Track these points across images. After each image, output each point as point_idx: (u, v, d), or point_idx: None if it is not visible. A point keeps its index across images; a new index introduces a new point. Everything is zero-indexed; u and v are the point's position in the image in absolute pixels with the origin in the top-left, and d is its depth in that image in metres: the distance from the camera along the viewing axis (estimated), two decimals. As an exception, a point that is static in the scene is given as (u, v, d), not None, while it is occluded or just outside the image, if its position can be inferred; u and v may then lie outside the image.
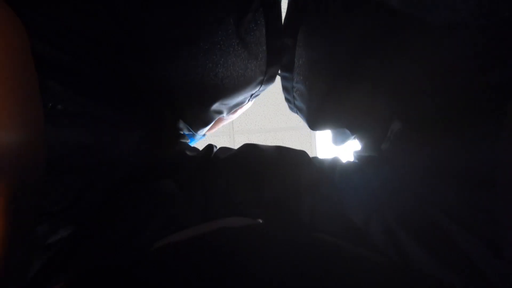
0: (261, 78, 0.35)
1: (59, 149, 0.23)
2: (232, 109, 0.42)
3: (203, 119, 0.37)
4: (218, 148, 0.37)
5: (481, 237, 0.18)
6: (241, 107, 0.44)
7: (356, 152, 0.36)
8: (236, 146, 0.36)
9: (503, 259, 0.17)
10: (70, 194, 0.23)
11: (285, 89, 0.40)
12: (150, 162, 0.31)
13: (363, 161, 0.32)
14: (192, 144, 0.43)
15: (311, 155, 0.35)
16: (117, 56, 0.25)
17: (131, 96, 0.29)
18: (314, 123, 0.40)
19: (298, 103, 0.40)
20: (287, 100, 0.43)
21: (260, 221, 0.23)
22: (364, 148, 0.34)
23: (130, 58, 0.26)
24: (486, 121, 0.19)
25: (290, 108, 0.45)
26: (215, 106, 0.35)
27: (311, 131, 1.41)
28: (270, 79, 0.37)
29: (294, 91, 0.38)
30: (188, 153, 0.34)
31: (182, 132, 0.39)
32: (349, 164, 0.33)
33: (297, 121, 1.53)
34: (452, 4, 0.19)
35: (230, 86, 0.33)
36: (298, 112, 0.43)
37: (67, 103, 0.23)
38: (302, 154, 0.34)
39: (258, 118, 1.54)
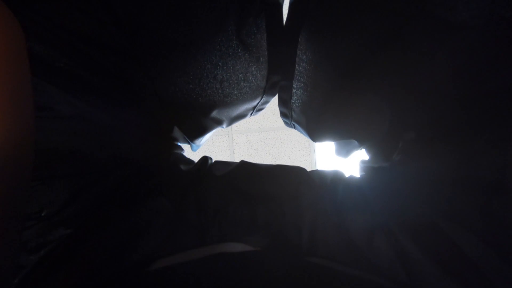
0: (262, 85, 0.34)
1: (49, 154, 0.22)
2: (233, 121, 0.40)
3: (200, 126, 0.36)
4: (214, 162, 0.36)
5: (492, 245, 0.18)
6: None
7: (363, 162, 0.35)
8: (235, 145, 0.36)
9: (510, 264, 0.17)
10: (60, 199, 0.23)
11: (282, 101, 0.38)
12: (143, 173, 0.30)
13: (372, 173, 0.32)
14: (195, 150, 0.42)
15: (309, 153, 0.34)
16: (114, 58, 0.25)
17: (127, 100, 0.28)
18: (316, 134, 0.39)
19: (296, 115, 0.39)
20: (283, 114, 0.41)
21: (258, 248, 0.23)
22: (374, 159, 0.33)
23: (127, 59, 0.25)
24: (495, 126, 0.19)
25: (286, 123, 0.43)
26: (215, 114, 0.34)
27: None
28: (272, 88, 0.35)
29: (292, 101, 0.37)
30: (182, 167, 0.34)
31: (177, 143, 0.38)
32: (354, 179, 0.33)
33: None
34: (456, 4, 0.19)
35: (230, 91, 0.32)
36: (296, 125, 0.42)
37: (62, 106, 0.23)
38: (301, 171, 0.33)
39: (257, 117, 1.53)
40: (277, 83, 0.35)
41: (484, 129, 0.20)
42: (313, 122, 0.37)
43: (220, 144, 1.50)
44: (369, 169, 0.33)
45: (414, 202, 0.24)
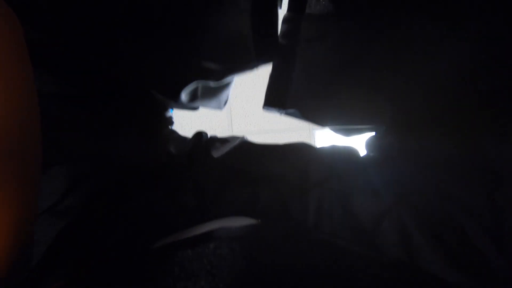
0: (244, 14, 0.27)
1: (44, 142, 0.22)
2: (224, 75, 0.32)
3: (178, 76, 0.30)
4: (209, 138, 0.34)
5: (493, 235, 0.18)
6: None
7: (372, 140, 0.33)
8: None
9: (506, 256, 0.17)
10: (57, 189, 0.23)
11: (277, 72, 0.32)
12: (136, 156, 0.29)
13: (380, 154, 0.31)
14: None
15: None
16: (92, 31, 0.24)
17: (111, 80, 0.27)
18: (322, 116, 0.35)
19: (297, 91, 0.33)
20: (275, 93, 0.34)
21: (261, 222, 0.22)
22: (381, 138, 0.32)
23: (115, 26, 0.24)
24: (504, 118, 0.19)
25: (270, 103, 0.36)
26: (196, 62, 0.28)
27: (311, 132, 1.40)
28: (266, 39, 0.28)
29: (294, 72, 0.31)
30: (173, 148, 0.32)
31: (168, 115, 0.35)
32: (363, 160, 0.31)
33: (297, 122, 1.52)
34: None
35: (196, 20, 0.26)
36: (292, 107, 0.36)
37: (48, 86, 0.22)
38: (308, 148, 0.32)
39: (257, 119, 1.53)
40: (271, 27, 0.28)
41: (494, 120, 0.21)
42: (322, 100, 0.33)
43: (220, 146, 1.50)
44: (377, 148, 0.31)
45: (421, 186, 0.24)
